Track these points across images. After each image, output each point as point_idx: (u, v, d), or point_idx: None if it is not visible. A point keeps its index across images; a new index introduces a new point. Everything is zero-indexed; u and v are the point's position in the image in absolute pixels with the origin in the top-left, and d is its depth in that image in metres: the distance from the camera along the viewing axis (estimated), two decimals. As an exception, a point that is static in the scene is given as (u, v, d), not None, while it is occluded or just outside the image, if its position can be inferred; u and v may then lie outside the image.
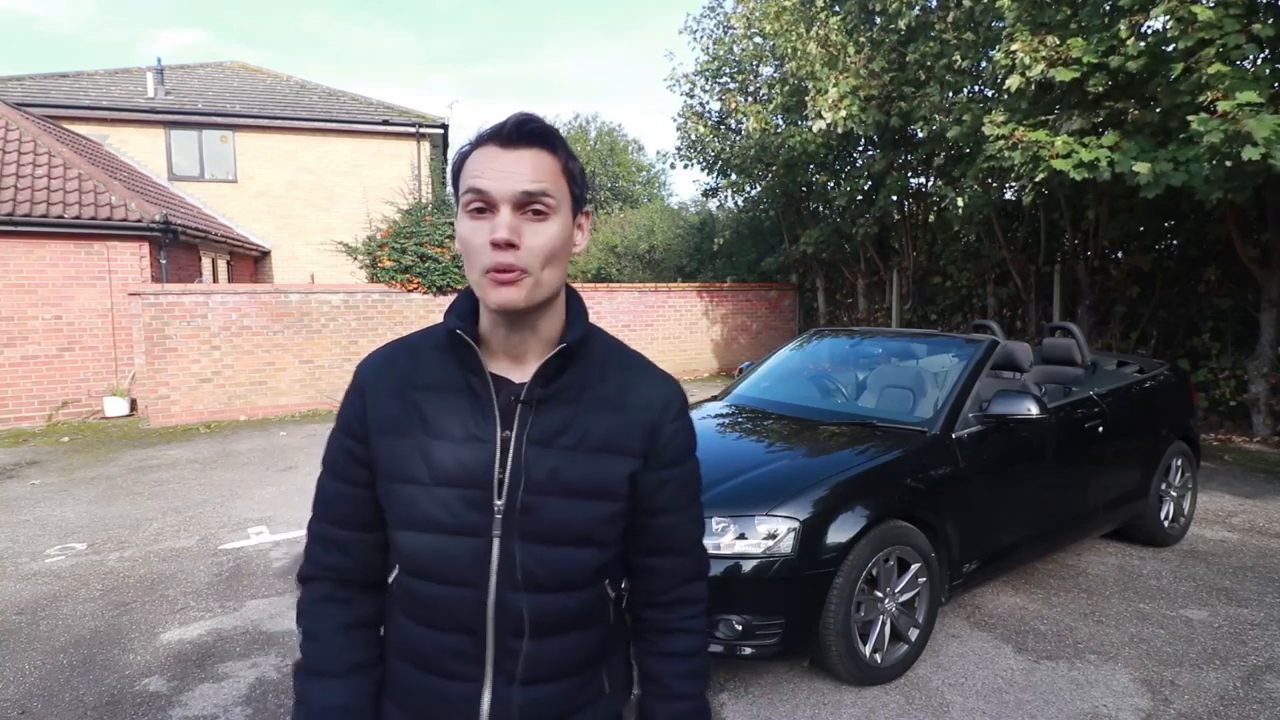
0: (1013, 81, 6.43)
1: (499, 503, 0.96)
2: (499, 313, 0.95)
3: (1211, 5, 5.46)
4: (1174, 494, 4.51)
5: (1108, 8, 6.47)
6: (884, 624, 2.98)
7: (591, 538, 1.00)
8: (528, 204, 0.91)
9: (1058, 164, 6.18)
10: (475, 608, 0.97)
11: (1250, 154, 4.93)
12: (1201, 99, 5.41)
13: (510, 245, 0.90)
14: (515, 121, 0.93)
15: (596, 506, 0.99)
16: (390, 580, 1.03)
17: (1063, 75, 6.17)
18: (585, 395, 1.00)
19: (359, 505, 1.03)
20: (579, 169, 0.98)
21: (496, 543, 0.96)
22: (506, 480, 0.96)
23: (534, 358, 0.99)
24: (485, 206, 0.91)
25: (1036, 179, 6.50)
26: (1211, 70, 5.28)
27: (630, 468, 1.01)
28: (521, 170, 0.91)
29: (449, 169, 1.01)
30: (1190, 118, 5.27)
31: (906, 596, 3.03)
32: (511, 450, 0.96)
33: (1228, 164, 5.24)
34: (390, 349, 1.06)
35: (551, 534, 0.97)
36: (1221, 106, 5.06)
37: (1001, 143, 6.59)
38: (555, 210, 0.93)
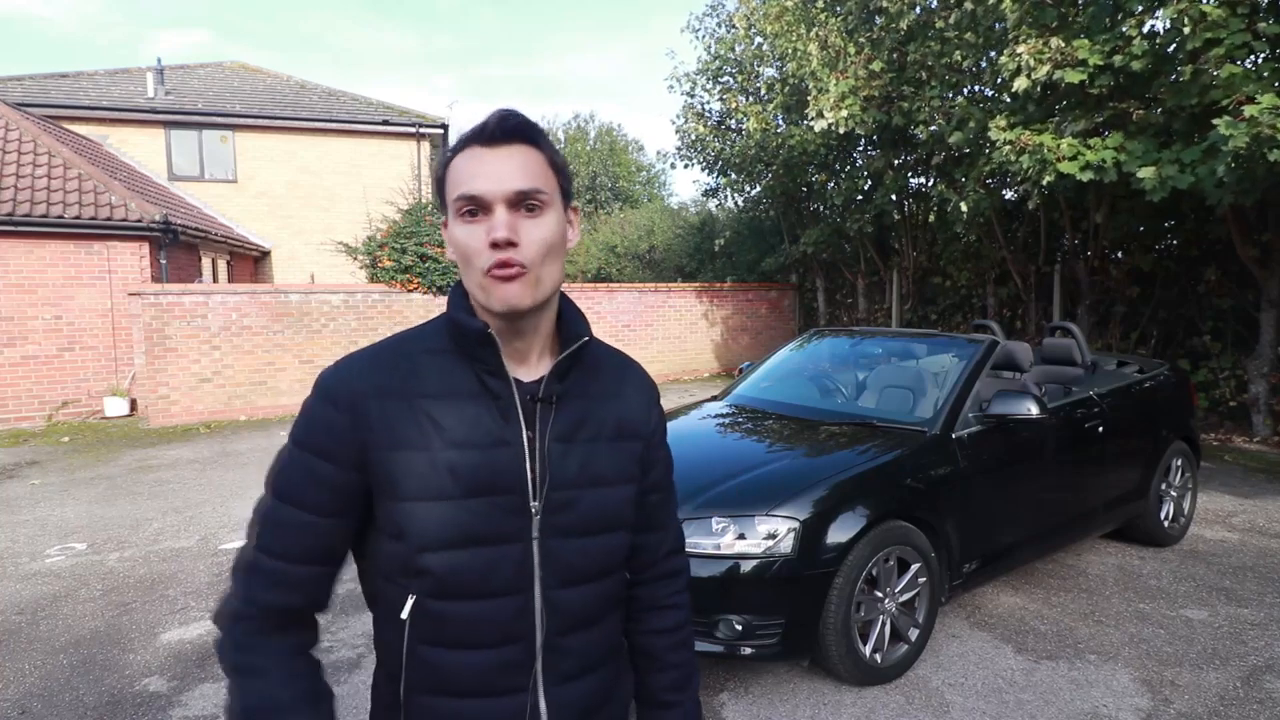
0: (1020, 83, 6.43)
1: (535, 504, 0.95)
2: (504, 315, 0.93)
3: (1218, 4, 5.45)
4: (1174, 494, 4.51)
5: (1109, 5, 6.46)
6: (884, 624, 2.98)
7: (622, 522, 1.04)
8: (521, 201, 0.90)
9: (1064, 167, 6.17)
10: (523, 614, 0.96)
11: (1277, 156, 4.93)
12: (1223, 101, 5.37)
13: (510, 244, 0.89)
14: (497, 118, 0.92)
15: (622, 491, 1.04)
16: (404, 613, 0.94)
17: (1071, 77, 6.16)
18: (590, 388, 1.02)
19: (323, 537, 0.94)
20: (563, 161, 0.98)
21: (536, 544, 0.96)
22: (538, 480, 0.95)
23: (536, 356, 0.99)
24: (478, 210, 0.90)
25: (1044, 183, 6.49)
26: (1223, 73, 5.27)
27: (639, 451, 1.07)
28: (511, 168, 0.90)
29: (434, 177, 0.98)
30: (1216, 121, 5.25)
31: (906, 596, 3.03)
32: (538, 449, 0.96)
33: (1245, 167, 5.22)
34: (374, 355, 0.96)
35: (588, 525, 0.99)
36: (1248, 111, 5.05)
37: (1009, 148, 6.58)
38: (549, 204, 0.93)
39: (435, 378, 0.94)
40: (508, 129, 0.91)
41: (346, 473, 0.93)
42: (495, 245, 0.89)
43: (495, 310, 0.92)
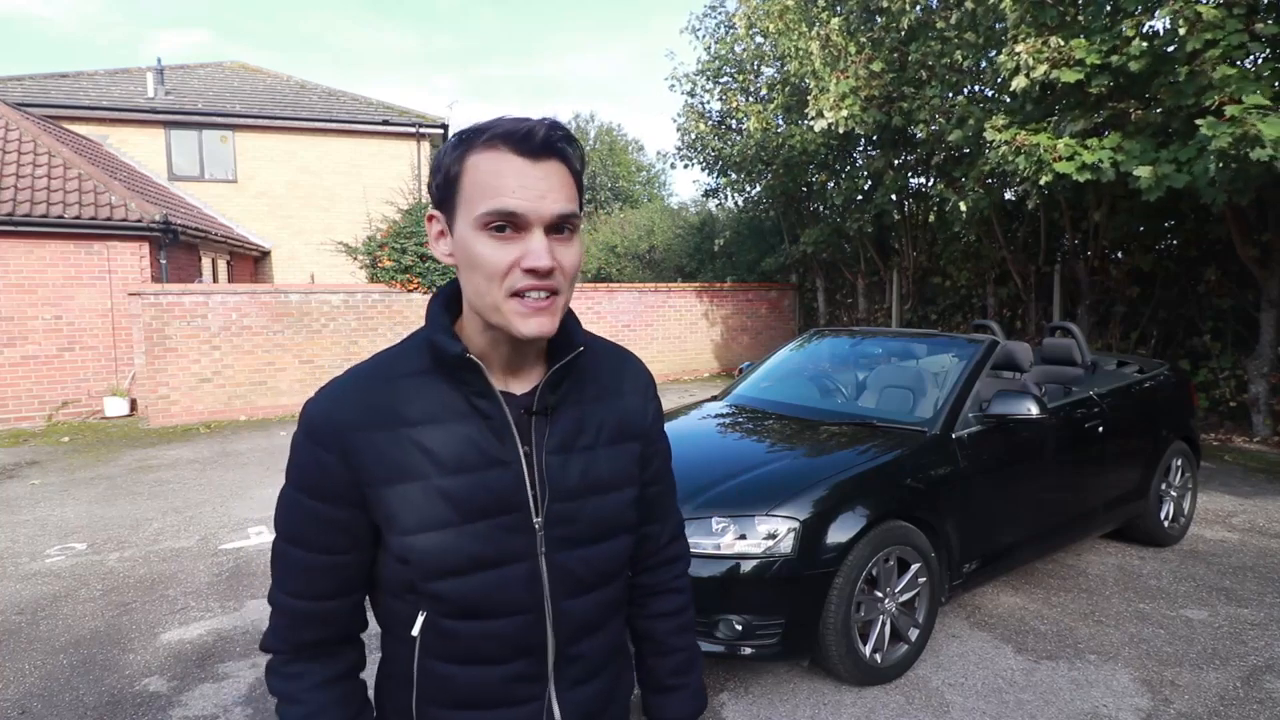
0: (1018, 83, 6.44)
1: (538, 520, 0.93)
2: (526, 340, 0.88)
3: (1215, 4, 5.45)
4: (1174, 494, 4.51)
5: (1109, 8, 6.47)
6: (884, 624, 2.98)
7: (625, 525, 1.02)
8: (559, 225, 0.85)
9: (1061, 167, 6.18)
10: (534, 629, 0.95)
11: (1259, 155, 4.93)
12: (1208, 101, 5.38)
13: (550, 272, 0.84)
14: (546, 129, 0.84)
15: (624, 495, 1.01)
16: (415, 630, 0.93)
17: (1067, 76, 6.17)
18: (586, 393, 0.99)
19: (339, 572, 0.93)
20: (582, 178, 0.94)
21: (544, 558, 0.94)
22: (539, 495, 0.93)
23: (529, 367, 0.97)
24: (509, 227, 0.84)
25: (1041, 183, 6.50)
26: (1217, 74, 5.27)
27: (639, 449, 1.05)
28: (553, 189, 0.84)
29: (438, 161, 0.88)
30: (1199, 121, 5.25)
31: (906, 596, 3.03)
32: (535, 464, 0.93)
33: (1233, 166, 5.23)
34: (354, 384, 0.91)
35: (592, 534, 0.98)
36: (1230, 111, 5.05)
37: (1005, 148, 6.59)
38: (579, 228, 0.89)
39: (420, 403, 0.90)
40: (553, 143, 0.85)
41: (347, 510, 0.90)
42: (534, 273, 0.84)
43: (521, 337, 0.87)
